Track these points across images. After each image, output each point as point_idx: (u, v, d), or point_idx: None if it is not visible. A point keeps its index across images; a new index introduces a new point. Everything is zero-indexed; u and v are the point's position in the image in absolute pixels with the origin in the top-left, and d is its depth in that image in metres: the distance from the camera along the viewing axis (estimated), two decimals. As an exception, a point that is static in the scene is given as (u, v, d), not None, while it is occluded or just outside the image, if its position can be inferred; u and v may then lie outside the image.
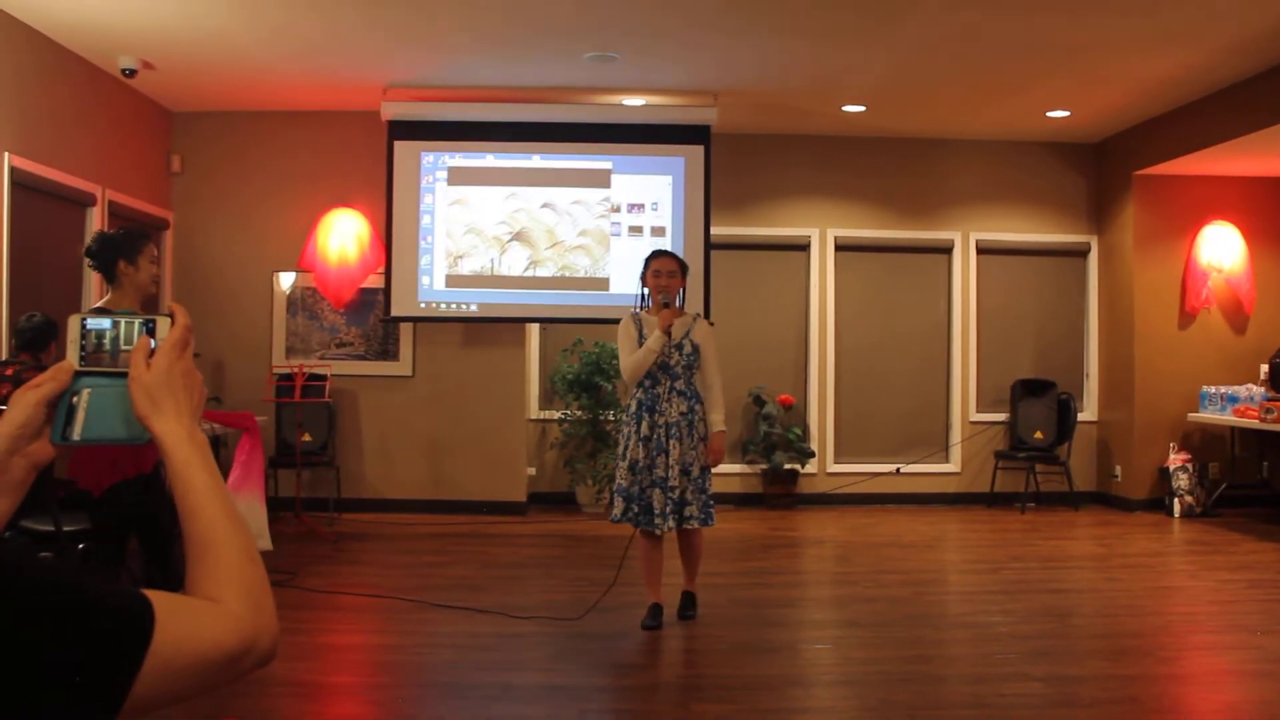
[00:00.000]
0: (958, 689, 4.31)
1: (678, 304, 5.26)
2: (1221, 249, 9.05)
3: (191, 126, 8.64)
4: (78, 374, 1.10)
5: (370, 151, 8.45)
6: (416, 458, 8.64)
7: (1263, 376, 8.63)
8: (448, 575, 6.26)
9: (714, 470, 5.24)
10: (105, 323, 1.12)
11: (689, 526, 5.12)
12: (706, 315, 8.42)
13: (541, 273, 8.61)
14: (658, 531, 5.08)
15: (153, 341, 1.11)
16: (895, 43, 6.83)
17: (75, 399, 1.09)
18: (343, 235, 8.49)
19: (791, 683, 4.40)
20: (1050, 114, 8.58)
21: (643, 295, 5.36)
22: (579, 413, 8.85)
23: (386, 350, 8.68)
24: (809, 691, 4.32)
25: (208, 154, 8.66)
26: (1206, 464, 8.95)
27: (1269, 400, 8.09)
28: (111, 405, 1.09)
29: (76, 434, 1.08)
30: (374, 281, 8.52)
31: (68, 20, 6.33)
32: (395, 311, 8.33)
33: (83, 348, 1.11)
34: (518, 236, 8.60)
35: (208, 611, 1.00)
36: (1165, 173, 8.92)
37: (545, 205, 8.70)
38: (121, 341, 1.12)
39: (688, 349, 5.17)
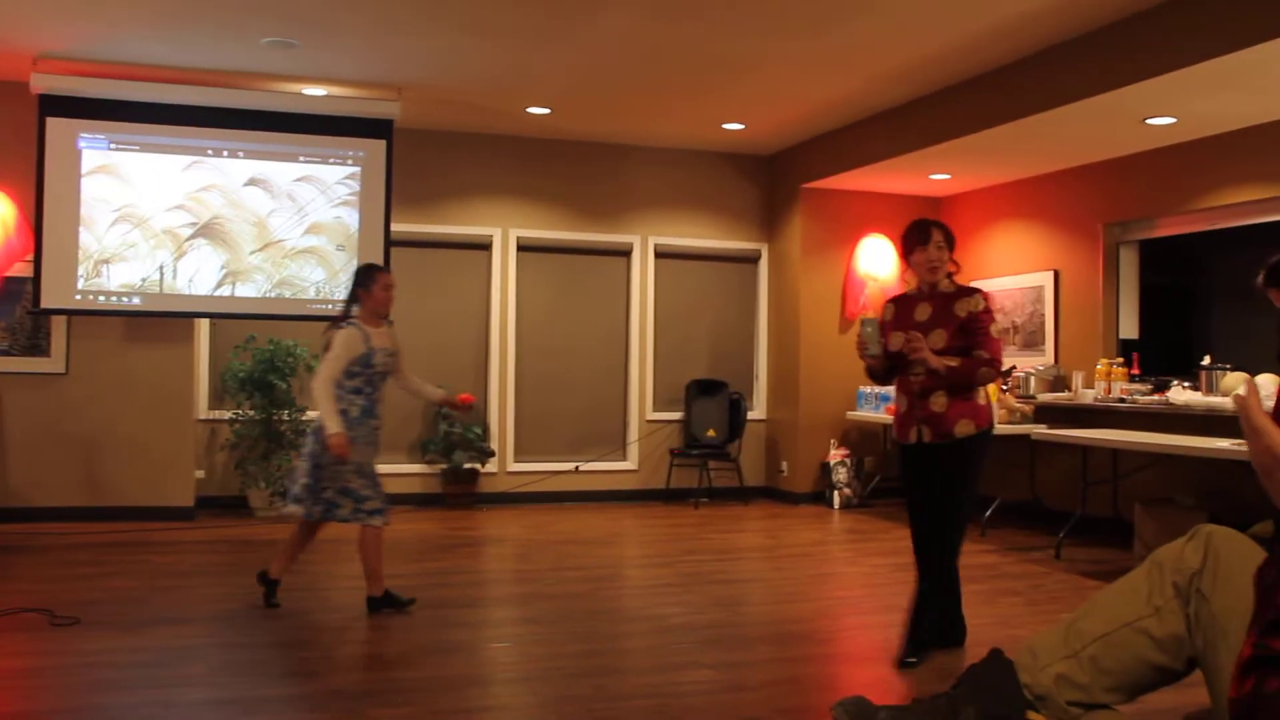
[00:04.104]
0: (634, 680, 4.42)
1: None
2: (877, 260, 9.76)
3: None
4: None
5: (18, 127, 7.76)
6: (70, 462, 8.00)
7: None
8: (106, 588, 5.84)
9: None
10: None
11: None
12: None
13: (244, 291, 8.10)
14: None
15: None
16: (578, 48, 6.94)
17: None
18: (-15, 219, 7.77)
19: (471, 682, 4.38)
20: (726, 126, 8.98)
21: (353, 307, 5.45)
22: (251, 412, 8.48)
23: (36, 345, 7.99)
24: (488, 690, 4.31)
25: None
26: (862, 459, 9.61)
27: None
28: None
29: None
30: (22, 270, 7.84)
31: None
32: (46, 303, 7.70)
33: None
34: (205, 231, 8.06)
35: None
36: (828, 187, 9.53)
37: (253, 182, 8.17)
38: None
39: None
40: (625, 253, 9.82)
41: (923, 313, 4.62)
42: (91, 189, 7.75)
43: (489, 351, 9.44)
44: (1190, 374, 7.34)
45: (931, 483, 4.58)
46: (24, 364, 7.94)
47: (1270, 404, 6.23)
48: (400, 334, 8.91)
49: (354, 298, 5.41)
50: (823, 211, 9.72)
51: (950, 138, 7.71)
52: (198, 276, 7.97)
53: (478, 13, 6.31)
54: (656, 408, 9.88)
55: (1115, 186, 8.24)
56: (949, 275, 4.66)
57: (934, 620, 4.58)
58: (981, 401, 4.57)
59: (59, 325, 8.01)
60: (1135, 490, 7.37)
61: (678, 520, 8.74)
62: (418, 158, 9.07)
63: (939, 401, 4.48)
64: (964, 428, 4.47)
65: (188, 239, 7.96)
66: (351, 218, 8.27)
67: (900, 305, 4.78)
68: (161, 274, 7.90)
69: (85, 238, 7.73)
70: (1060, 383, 8.32)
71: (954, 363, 4.43)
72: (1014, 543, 7.72)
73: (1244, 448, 5.75)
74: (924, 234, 4.63)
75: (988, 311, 4.55)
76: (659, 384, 9.90)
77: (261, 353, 8.49)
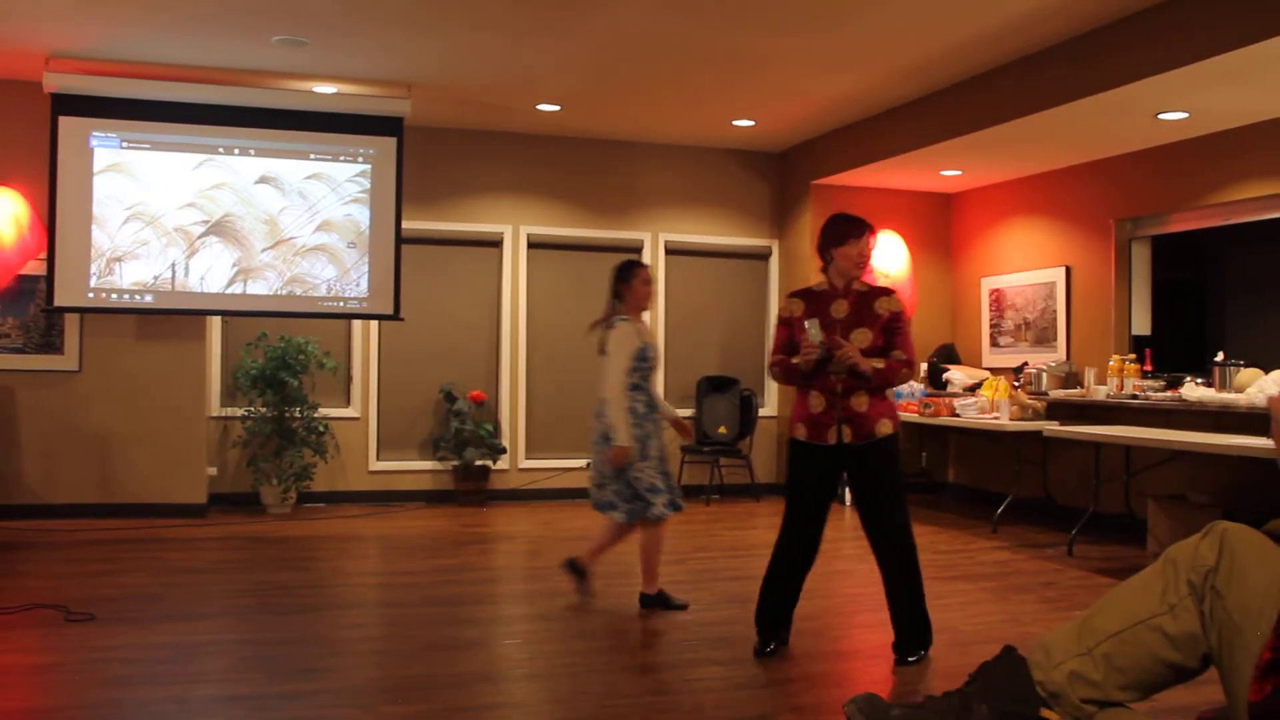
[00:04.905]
0: (645, 677, 4.42)
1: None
2: (888, 256, 9.71)
3: None
4: None
5: (31, 126, 7.79)
6: (84, 459, 8.03)
7: (922, 374, 9.34)
8: (119, 584, 5.86)
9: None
10: None
11: None
12: (396, 311, 8.33)
13: (256, 288, 8.12)
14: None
15: None
16: (588, 44, 6.94)
17: None
18: (-2, 217, 7.79)
19: (482, 679, 4.38)
20: (737, 123, 8.96)
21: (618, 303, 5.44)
22: (263, 410, 8.50)
23: (49, 343, 8.02)
24: (499, 687, 4.31)
25: None
26: (873, 456, 9.57)
27: (928, 396, 8.78)
28: None
29: None
30: (36, 268, 7.86)
31: None
32: (59, 301, 7.73)
33: None
34: (216, 229, 8.08)
35: None
36: (840, 183, 9.51)
37: (264, 180, 8.19)
38: None
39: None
40: (636, 249, 9.81)
41: (839, 309, 4.56)
42: (103, 187, 7.78)
43: (500, 348, 9.45)
44: (1203, 370, 7.31)
45: (834, 487, 4.64)
46: (37, 361, 7.98)
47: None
48: (412, 330, 9.01)
49: (617, 294, 5.39)
50: (834, 208, 9.60)
51: (962, 133, 7.68)
52: (209, 274, 7.99)
53: (488, 10, 6.30)
54: (670, 404, 9.85)
55: (1127, 182, 8.21)
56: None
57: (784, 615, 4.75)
58: (892, 401, 4.65)
59: (72, 323, 8.04)
60: (1148, 487, 7.34)
61: (689, 517, 8.72)
62: (428, 155, 9.08)
63: (861, 401, 4.47)
64: (884, 427, 4.50)
65: (199, 237, 7.98)
66: (362, 215, 8.29)
67: (811, 301, 4.64)
68: (173, 272, 7.92)
69: (97, 236, 7.76)
70: (1072, 379, 8.30)
71: (879, 364, 4.45)
72: (1026, 540, 7.70)
73: (1265, 444, 5.72)
74: (859, 227, 4.64)
75: (904, 311, 4.60)
76: (670, 381, 9.89)
77: (273, 350, 8.51)
